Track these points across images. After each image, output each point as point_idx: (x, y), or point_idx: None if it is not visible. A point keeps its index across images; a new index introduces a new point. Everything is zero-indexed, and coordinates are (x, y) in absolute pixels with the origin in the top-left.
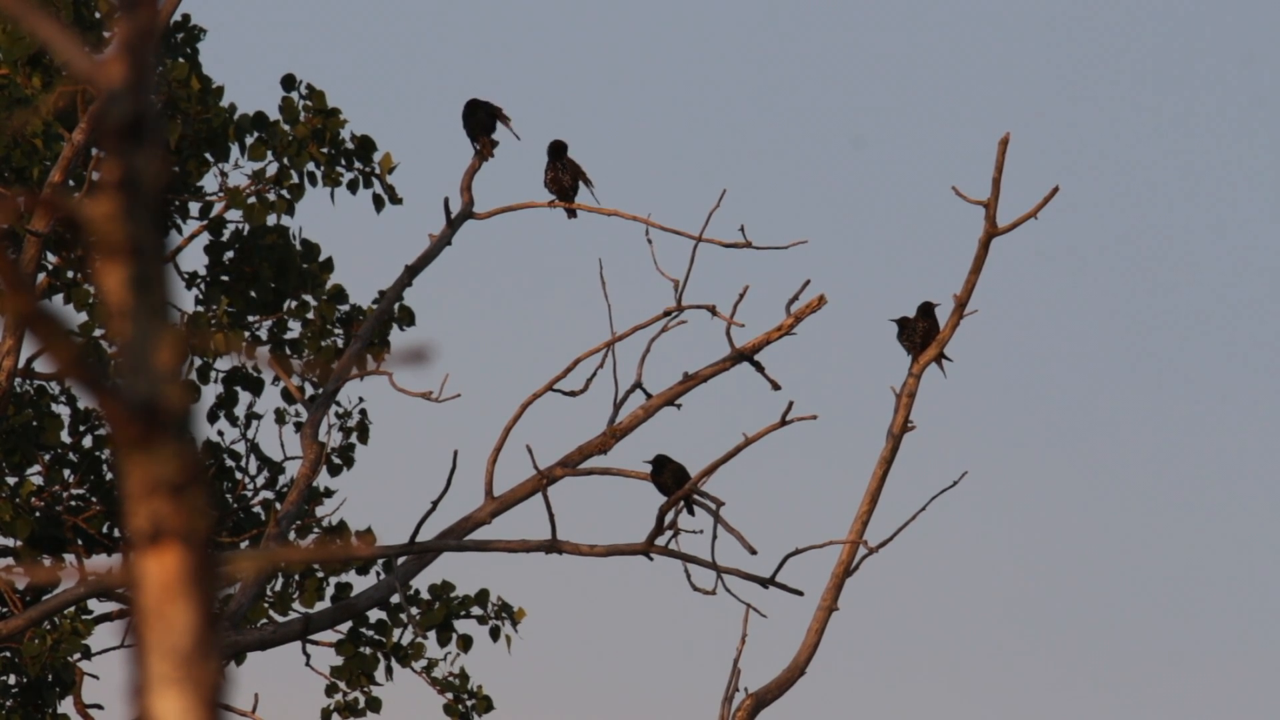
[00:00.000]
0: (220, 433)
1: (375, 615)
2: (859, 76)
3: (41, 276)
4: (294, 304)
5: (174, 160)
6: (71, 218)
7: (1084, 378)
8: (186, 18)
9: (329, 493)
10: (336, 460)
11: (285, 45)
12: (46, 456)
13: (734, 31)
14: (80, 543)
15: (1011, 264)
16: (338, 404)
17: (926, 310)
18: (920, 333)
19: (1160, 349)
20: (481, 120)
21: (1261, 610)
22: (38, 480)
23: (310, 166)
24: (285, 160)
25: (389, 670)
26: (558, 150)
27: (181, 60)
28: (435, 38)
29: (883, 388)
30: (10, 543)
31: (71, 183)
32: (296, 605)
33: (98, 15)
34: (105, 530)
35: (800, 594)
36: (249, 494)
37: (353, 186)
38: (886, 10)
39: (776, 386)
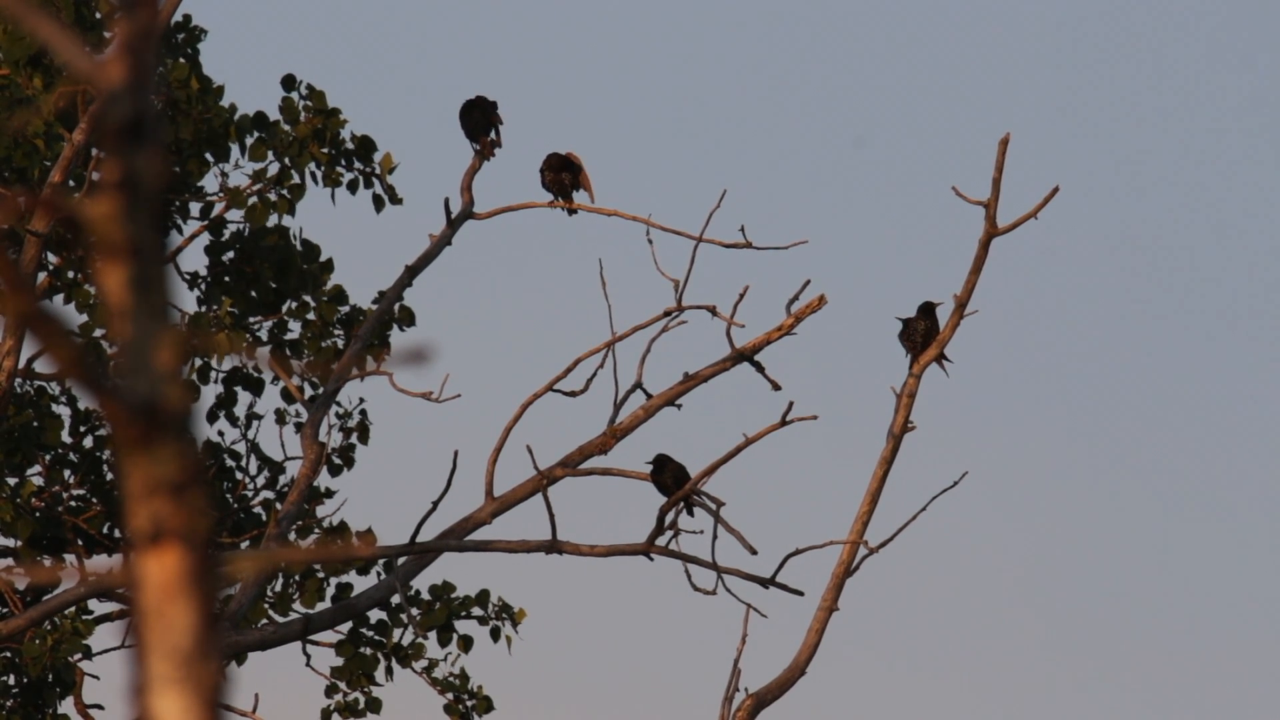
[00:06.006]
0: (220, 433)
1: (375, 615)
2: (859, 76)
3: (42, 276)
4: (294, 304)
5: (174, 160)
6: (72, 218)
7: (1084, 378)
8: (187, 18)
9: (329, 493)
10: (337, 460)
11: (285, 45)
12: (47, 457)
13: (734, 31)
14: (80, 543)
15: (1011, 264)
16: (338, 404)
17: (927, 310)
18: (920, 333)
19: (1160, 348)
20: (480, 121)
21: (1263, 608)
22: (38, 480)
23: (311, 167)
24: (286, 160)
25: (389, 671)
26: (564, 163)
27: (182, 60)
28: (435, 38)
29: (883, 388)
30: (10, 543)
31: (72, 183)
32: (297, 605)
33: (98, 15)
34: (105, 530)
35: (800, 594)
36: (249, 494)
37: (353, 187)
38: (887, 10)
39: (777, 387)
